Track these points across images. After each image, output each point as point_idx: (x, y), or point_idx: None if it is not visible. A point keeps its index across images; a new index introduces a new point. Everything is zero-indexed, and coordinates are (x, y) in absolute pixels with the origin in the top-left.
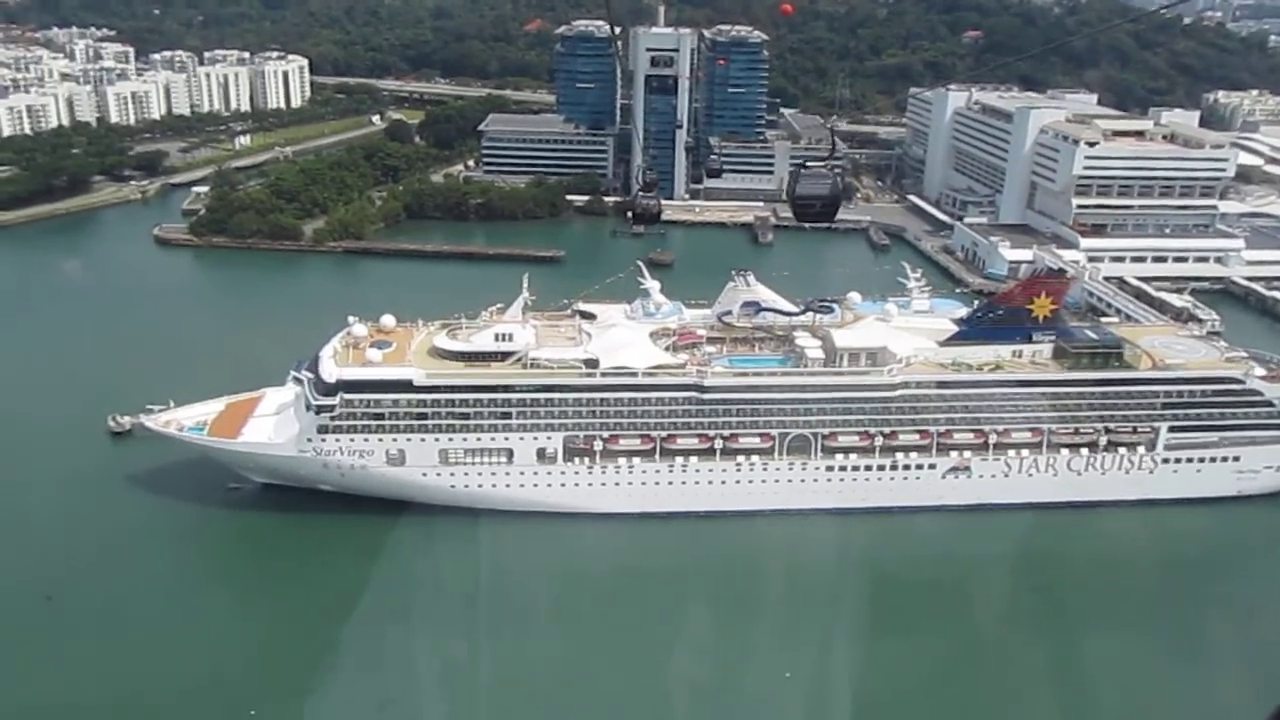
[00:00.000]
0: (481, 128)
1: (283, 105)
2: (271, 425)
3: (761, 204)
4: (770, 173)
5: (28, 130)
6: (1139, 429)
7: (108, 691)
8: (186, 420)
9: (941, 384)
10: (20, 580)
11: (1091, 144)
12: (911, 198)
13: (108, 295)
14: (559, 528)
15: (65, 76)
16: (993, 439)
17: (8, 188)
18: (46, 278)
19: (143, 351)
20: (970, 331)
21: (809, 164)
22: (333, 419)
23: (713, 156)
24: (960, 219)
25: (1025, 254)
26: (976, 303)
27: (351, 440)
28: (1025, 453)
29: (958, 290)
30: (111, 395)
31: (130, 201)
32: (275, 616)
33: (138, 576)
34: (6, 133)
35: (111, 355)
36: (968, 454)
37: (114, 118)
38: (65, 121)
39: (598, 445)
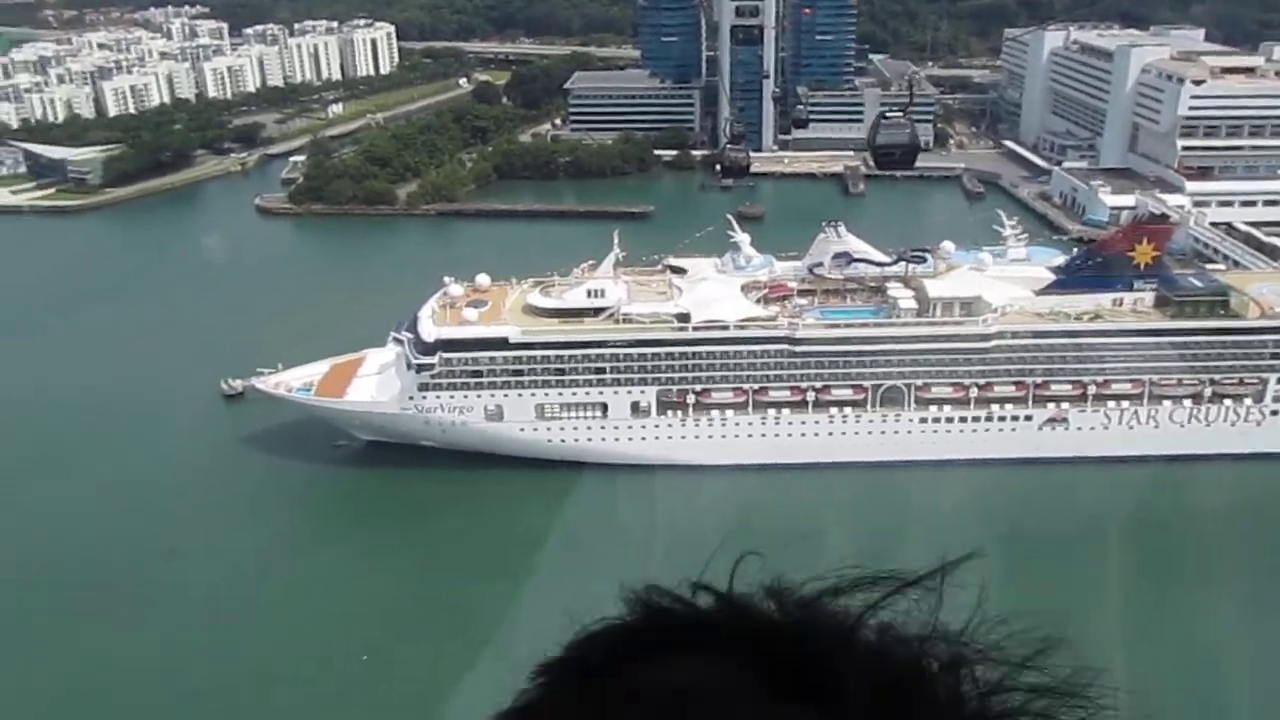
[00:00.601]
0: (567, 86)
1: (372, 72)
2: (374, 384)
3: (851, 153)
4: (860, 121)
5: (132, 109)
6: (1246, 380)
7: (226, 638)
8: (294, 382)
9: (1038, 334)
10: (145, 536)
11: (1198, 82)
12: (1007, 143)
13: (215, 264)
14: (656, 480)
15: (164, 55)
16: (1091, 390)
17: (118, 165)
18: (158, 249)
19: (250, 317)
20: (1068, 280)
21: (888, 114)
22: (433, 377)
23: (799, 107)
24: (1058, 164)
25: (1127, 199)
26: (1075, 250)
27: (451, 397)
28: (1125, 404)
29: (1055, 238)
30: (223, 360)
31: (231, 173)
32: (381, 566)
33: (253, 529)
34: (113, 112)
35: (221, 321)
36: (1065, 405)
37: (212, 93)
38: (166, 99)
39: (690, 399)
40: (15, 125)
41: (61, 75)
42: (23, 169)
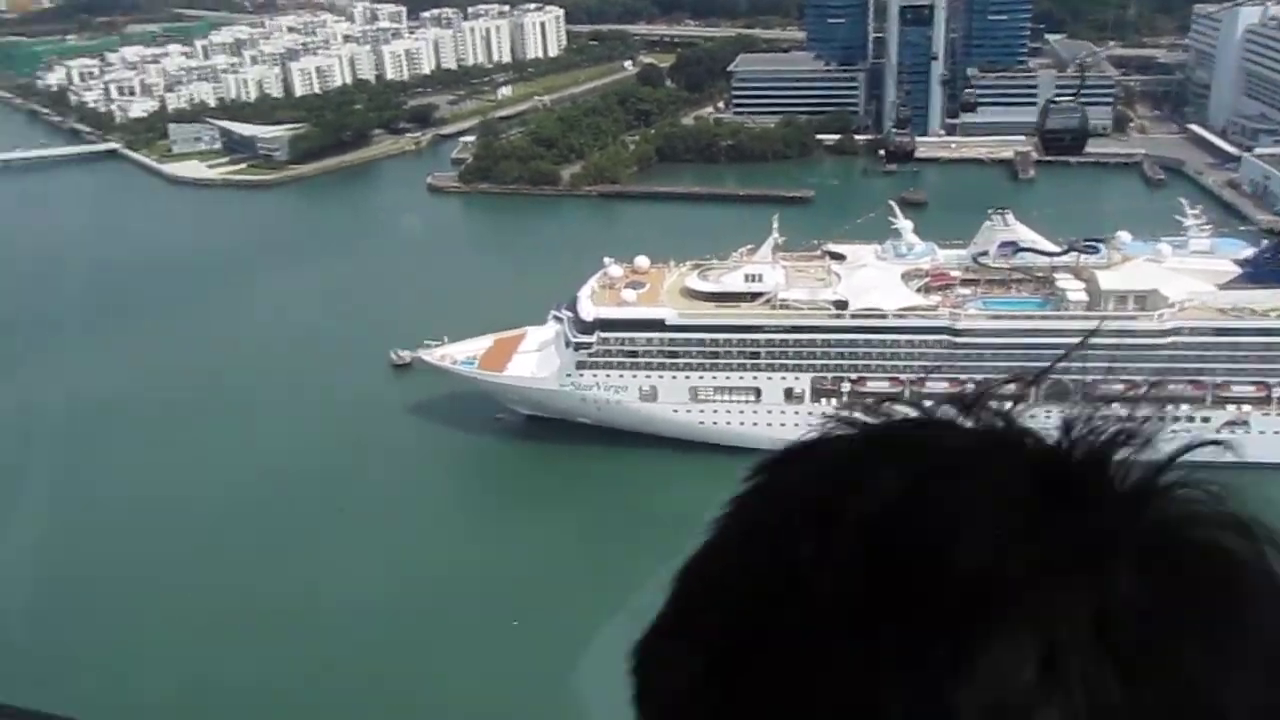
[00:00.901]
0: (731, 68)
1: (541, 55)
2: (534, 361)
3: (1022, 138)
4: (1033, 104)
5: (317, 89)
6: None
7: (388, 593)
8: (458, 355)
9: (1220, 331)
10: (317, 493)
11: None
12: (1193, 127)
13: (388, 239)
14: None
15: (347, 38)
16: (1276, 393)
17: (302, 142)
18: (336, 224)
19: (419, 290)
20: (1255, 273)
21: (1057, 97)
22: (590, 356)
23: (968, 90)
24: (1250, 150)
25: None
26: (1265, 242)
27: (607, 376)
28: None
29: (1243, 228)
30: (393, 331)
31: (406, 152)
32: (533, 537)
33: (417, 493)
34: (299, 92)
35: (392, 293)
36: (1246, 408)
37: (389, 74)
38: (348, 80)
39: (845, 387)
40: (213, 103)
41: (255, 57)
42: (218, 144)
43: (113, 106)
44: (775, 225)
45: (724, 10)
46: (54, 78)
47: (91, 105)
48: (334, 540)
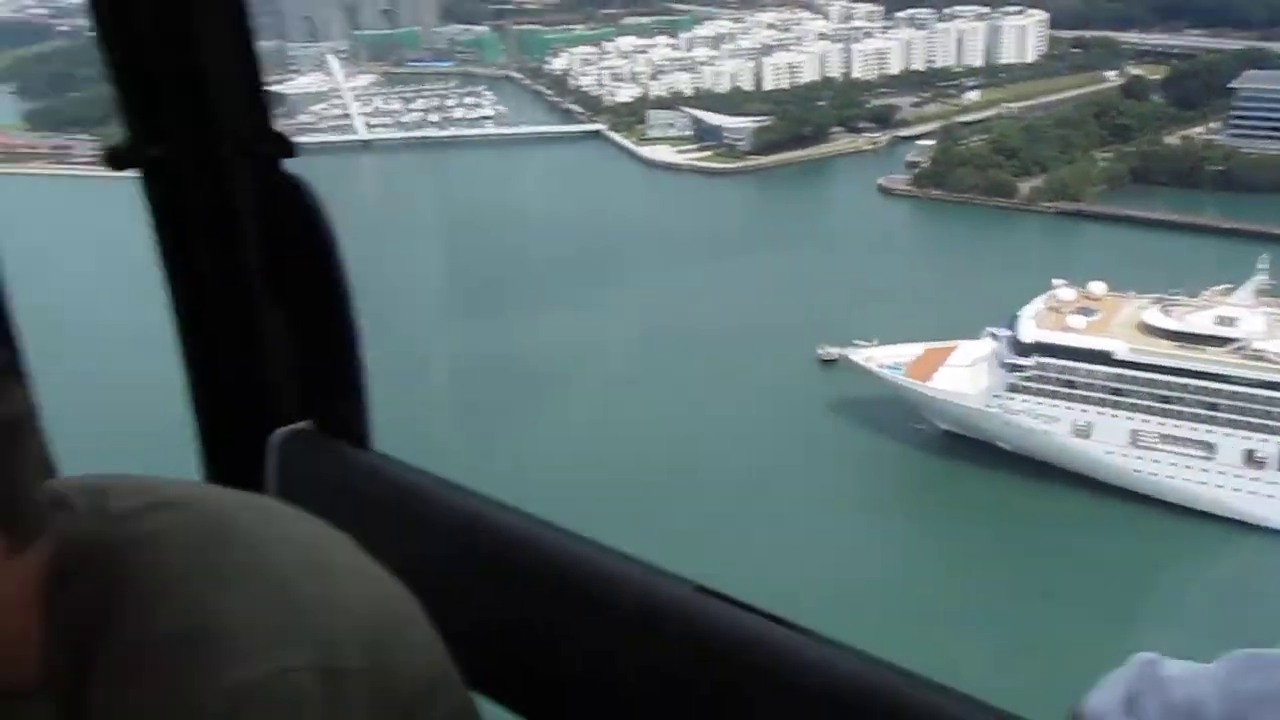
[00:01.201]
0: (1234, 85)
1: (1015, 60)
2: (963, 376)
3: None
4: None
5: (785, 85)
6: None
7: (751, 573)
8: (884, 359)
9: None
10: (728, 465)
11: None
12: None
13: (833, 235)
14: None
15: (821, 36)
16: None
17: (765, 135)
18: (787, 216)
19: (855, 289)
20: None
21: None
22: (1023, 379)
23: None
24: None
25: None
26: None
27: (1039, 404)
28: None
29: None
30: (824, 327)
31: (861, 152)
32: (926, 550)
33: (825, 485)
34: (768, 86)
35: (830, 289)
36: None
37: (856, 73)
38: (816, 77)
39: None
40: (688, 93)
41: (732, 51)
42: (688, 131)
43: (603, 91)
44: (1265, 265)
45: (1235, 20)
46: (558, 63)
47: (585, 89)
48: (737, 517)
